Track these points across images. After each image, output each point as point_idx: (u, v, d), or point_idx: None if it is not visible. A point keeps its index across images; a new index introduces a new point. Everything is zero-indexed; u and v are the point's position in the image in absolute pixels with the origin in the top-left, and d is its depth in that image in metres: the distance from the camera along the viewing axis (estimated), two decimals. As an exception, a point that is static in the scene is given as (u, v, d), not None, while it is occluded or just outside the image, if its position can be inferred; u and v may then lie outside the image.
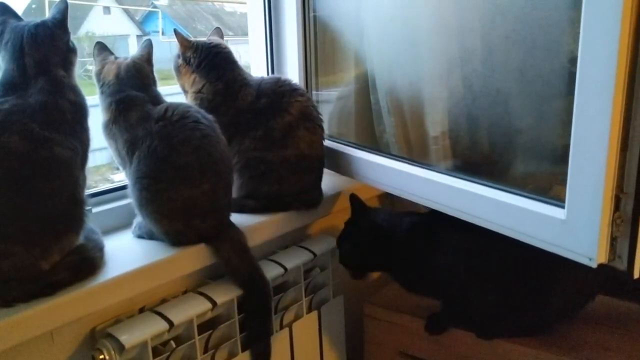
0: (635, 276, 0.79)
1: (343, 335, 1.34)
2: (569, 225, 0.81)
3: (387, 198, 1.59)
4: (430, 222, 1.21)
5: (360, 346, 1.36)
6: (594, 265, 0.79)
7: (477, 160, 1.47)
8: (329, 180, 1.32)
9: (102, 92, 1.06)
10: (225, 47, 1.23)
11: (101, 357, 0.88)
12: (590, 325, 1.18)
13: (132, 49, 1.23)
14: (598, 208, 0.76)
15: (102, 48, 1.11)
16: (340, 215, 1.32)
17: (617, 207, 0.77)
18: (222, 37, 1.27)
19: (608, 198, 0.76)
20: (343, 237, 1.25)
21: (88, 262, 0.91)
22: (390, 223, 1.22)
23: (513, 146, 1.46)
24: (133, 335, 0.91)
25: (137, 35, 1.62)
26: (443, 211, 1.04)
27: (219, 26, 1.29)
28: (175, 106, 1.03)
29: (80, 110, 0.93)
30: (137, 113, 1.02)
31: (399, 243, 1.20)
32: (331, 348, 1.31)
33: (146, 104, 1.03)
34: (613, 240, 0.78)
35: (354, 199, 1.24)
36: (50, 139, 0.85)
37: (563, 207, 0.82)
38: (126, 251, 1.02)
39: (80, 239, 0.91)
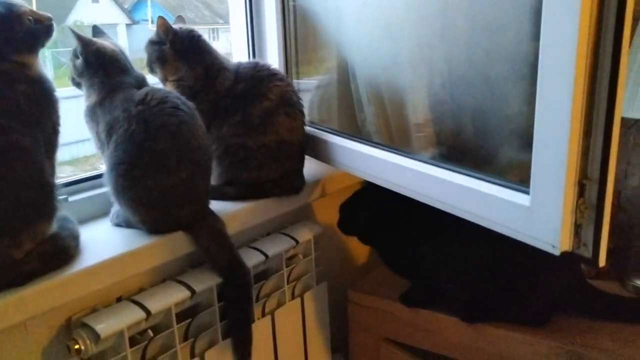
0: (601, 264, 0.79)
1: (327, 323, 1.35)
2: (532, 212, 0.81)
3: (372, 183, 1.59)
4: (414, 202, 1.23)
5: (345, 333, 1.38)
6: (557, 253, 0.79)
7: (461, 147, 1.46)
8: (311, 167, 1.32)
9: (90, 75, 1.06)
10: (200, 33, 1.23)
11: (76, 347, 0.89)
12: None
13: (121, 38, 1.23)
14: (561, 195, 0.76)
15: (98, 32, 1.12)
16: (322, 202, 1.33)
17: (581, 193, 0.77)
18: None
19: (571, 184, 0.75)
20: (346, 205, 1.30)
21: (62, 250, 0.92)
22: (386, 200, 1.25)
23: (497, 133, 1.46)
24: (109, 325, 0.91)
25: (127, 24, 1.62)
26: (410, 196, 1.04)
27: (181, 14, 1.29)
28: (155, 91, 1.04)
29: (39, 100, 0.91)
30: (123, 96, 1.02)
31: (386, 219, 1.24)
32: (315, 335, 1.32)
33: (132, 87, 1.04)
34: (577, 227, 0.78)
35: None
36: (7, 126, 0.85)
37: (528, 193, 0.82)
38: (103, 240, 1.02)
39: (54, 227, 0.91)
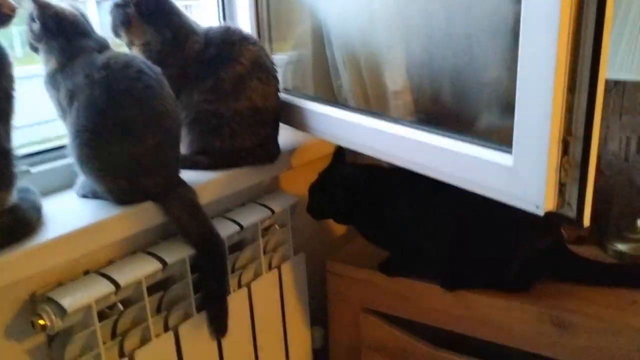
0: (586, 224, 0.76)
1: (305, 294, 1.32)
2: (515, 172, 0.78)
3: (347, 152, 1.55)
4: (388, 174, 1.22)
5: (324, 305, 1.35)
6: (541, 213, 0.77)
7: (440, 114, 1.44)
8: (285, 136, 1.28)
9: (49, 39, 0.99)
10: None
11: (41, 322, 0.85)
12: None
13: (91, 14, 1.16)
14: (545, 153, 0.73)
15: None
16: (298, 172, 1.29)
17: (565, 151, 0.74)
18: None
19: (555, 142, 0.72)
20: (316, 187, 1.23)
21: (23, 222, 0.87)
22: (358, 176, 1.22)
23: (476, 98, 1.43)
24: (76, 299, 0.87)
25: (97, 1, 1.53)
26: (391, 161, 1.00)
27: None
28: (119, 55, 0.99)
29: None
30: (84, 61, 0.97)
31: (361, 195, 1.20)
32: (293, 307, 1.29)
33: (94, 52, 0.99)
34: (562, 186, 0.75)
35: (338, 150, 1.22)
36: None
37: (510, 152, 0.79)
38: (68, 211, 0.97)
39: (14, 198, 0.86)
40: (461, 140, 0.87)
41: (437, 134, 0.91)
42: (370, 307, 1.28)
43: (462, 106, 1.45)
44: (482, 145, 0.84)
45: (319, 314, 1.39)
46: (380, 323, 1.26)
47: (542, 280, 1.13)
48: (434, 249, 1.15)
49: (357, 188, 1.20)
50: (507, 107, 1.42)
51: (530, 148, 0.75)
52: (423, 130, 0.93)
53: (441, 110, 1.44)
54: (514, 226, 1.10)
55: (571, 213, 0.77)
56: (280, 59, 1.36)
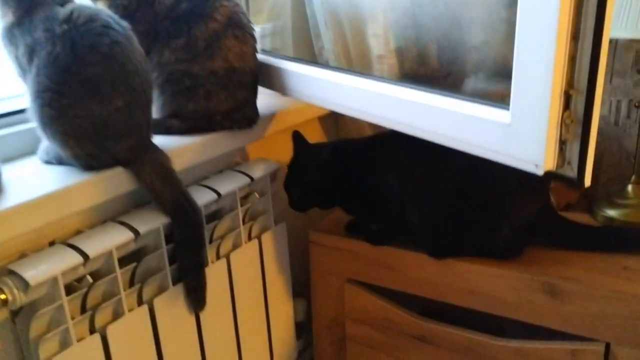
0: (587, 184, 0.72)
1: (287, 266, 1.27)
2: (513, 129, 0.73)
3: (329, 119, 1.50)
4: (362, 144, 1.19)
5: (307, 277, 1.30)
6: (540, 172, 0.72)
7: (427, 77, 1.38)
8: (264, 101, 1.21)
9: None
10: None
11: (2, 297, 0.78)
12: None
13: None
14: (545, 107, 0.68)
15: None
16: (278, 137, 1.23)
17: (566, 105, 0.69)
18: None
19: (557, 95, 0.67)
20: (291, 181, 1.18)
21: (-21, 190, 0.80)
22: (330, 155, 1.17)
23: (465, 61, 1.38)
24: (40, 271, 0.80)
25: None
26: (384, 125, 0.95)
27: None
28: (82, 8, 0.90)
29: None
30: (44, 14, 0.88)
31: (340, 173, 1.15)
32: (275, 279, 1.24)
33: (55, 4, 0.90)
34: (562, 143, 0.71)
35: (297, 135, 1.17)
36: None
37: (507, 109, 0.74)
38: (30, 178, 0.90)
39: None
40: (454, 97, 0.82)
41: (428, 91, 0.85)
42: (354, 278, 1.24)
43: (449, 69, 1.39)
44: (477, 102, 0.79)
45: (301, 286, 1.34)
46: (365, 294, 1.22)
47: (532, 246, 1.10)
48: (420, 217, 1.11)
49: (333, 167, 1.16)
50: (496, 71, 1.38)
51: (530, 102, 0.70)
52: (413, 88, 0.87)
53: (428, 74, 1.39)
54: (502, 192, 1.06)
55: (571, 173, 0.72)
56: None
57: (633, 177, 1.21)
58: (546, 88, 0.67)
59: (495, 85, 1.37)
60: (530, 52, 0.68)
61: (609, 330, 0.98)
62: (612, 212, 1.20)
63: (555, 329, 1.02)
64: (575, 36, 0.66)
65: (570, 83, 0.68)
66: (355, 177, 1.14)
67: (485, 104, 0.77)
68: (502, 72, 1.37)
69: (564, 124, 0.69)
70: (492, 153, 0.76)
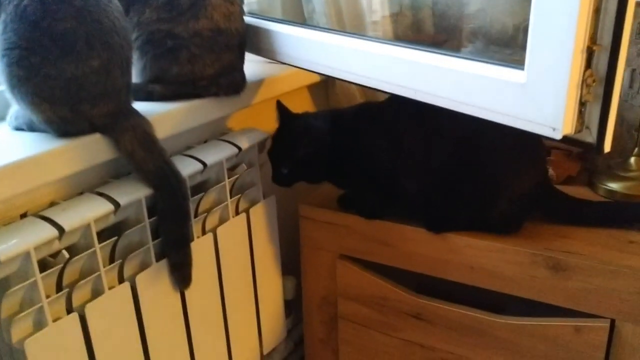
0: (606, 150, 0.67)
1: (277, 241, 1.21)
2: (529, 89, 0.67)
3: (319, 88, 1.43)
4: (352, 114, 1.13)
5: (296, 252, 1.24)
6: (557, 136, 0.67)
7: (422, 43, 1.32)
8: (250, 68, 1.13)
9: None
10: None
11: (-31, 273, 0.71)
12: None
13: None
14: (566, 65, 0.62)
15: None
16: (266, 105, 1.16)
17: (588, 64, 0.64)
18: None
19: (579, 51, 0.62)
20: (278, 153, 1.09)
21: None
22: (321, 124, 1.10)
23: (460, 28, 1.32)
24: (10, 246, 0.73)
25: None
26: (384, 89, 0.88)
27: None
28: None
29: None
30: None
31: (332, 143, 1.08)
32: (263, 254, 1.18)
33: None
34: (582, 105, 0.65)
35: (281, 105, 1.09)
36: None
37: (522, 68, 0.68)
38: (-1, 145, 0.83)
39: None
40: (461, 57, 0.76)
41: (433, 52, 0.79)
42: (347, 254, 1.18)
43: (446, 37, 1.34)
44: (488, 62, 0.73)
45: (290, 263, 1.28)
46: (359, 271, 1.17)
47: (533, 220, 1.05)
48: (415, 189, 1.06)
49: (326, 138, 1.08)
50: (493, 39, 1.32)
51: (548, 60, 0.64)
52: (417, 49, 0.81)
53: (423, 41, 1.33)
54: (499, 163, 1.02)
55: (590, 138, 0.67)
56: None
57: (636, 150, 1.17)
58: (568, 43, 0.61)
59: (492, 54, 1.32)
60: (551, 2, 0.61)
61: (614, 306, 0.94)
62: (613, 185, 1.16)
63: (559, 305, 0.98)
64: (601, -14, 0.60)
65: (593, 38, 0.62)
66: (349, 147, 1.08)
67: (497, 64, 0.71)
68: (499, 41, 1.32)
69: (585, 84, 0.64)
70: (505, 117, 0.70)
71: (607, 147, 0.66)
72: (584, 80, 0.63)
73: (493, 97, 0.71)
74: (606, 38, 0.62)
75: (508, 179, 1.02)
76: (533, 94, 0.66)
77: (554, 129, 0.66)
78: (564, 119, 0.64)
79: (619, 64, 0.62)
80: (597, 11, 0.61)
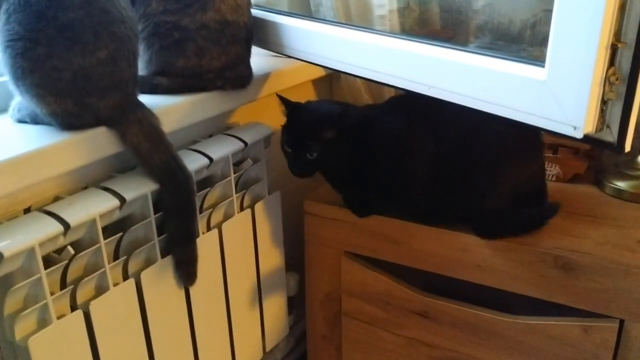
0: (627, 149, 0.66)
1: (281, 237, 1.20)
2: (549, 87, 0.66)
3: (324, 82, 1.41)
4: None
5: (301, 249, 1.23)
6: (579, 135, 0.65)
7: (430, 36, 1.31)
8: (256, 61, 1.11)
9: None
10: None
11: (-28, 269, 0.69)
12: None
13: None
14: (589, 62, 0.61)
15: None
16: (273, 100, 1.14)
17: (611, 61, 0.62)
18: None
19: (603, 48, 0.60)
20: (299, 139, 1.01)
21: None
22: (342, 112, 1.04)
23: (467, 23, 1.31)
24: (15, 241, 0.71)
25: None
26: (395, 84, 0.87)
27: None
28: None
29: None
30: None
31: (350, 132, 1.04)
32: (268, 251, 1.16)
33: None
34: (604, 104, 0.64)
35: (282, 97, 1.04)
36: None
37: (542, 65, 0.66)
38: (2, 138, 0.81)
39: None
40: (480, 53, 0.74)
41: (449, 47, 0.78)
42: (351, 251, 1.17)
43: (453, 32, 1.32)
44: (505, 58, 0.71)
45: (294, 259, 1.27)
46: (363, 267, 1.15)
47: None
48: (422, 189, 1.04)
49: (347, 116, 1.02)
50: (499, 34, 1.31)
51: (570, 57, 0.63)
52: (433, 44, 0.79)
53: (430, 35, 1.32)
54: (493, 162, 1.01)
55: (610, 137, 0.66)
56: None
57: (644, 148, 1.16)
58: (592, 39, 0.60)
59: (500, 48, 1.30)
60: (576, -2, 0.60)
61: (623, 306, 0.93)
62: (621, 184, 1.15)
63: (568, 305, 0.97)
64: (626, -21, 0.59)
65: (617, 35, 0.61)
66: (358, 140, 1.05)
67: (517, 60, 0.70)
68: (507, 37, 1.30)
69: (607, 82, 0.62)
70: (524, 114, 0.69)
71: (628, 146, 0.65)
72: (607, 78, 0.62)
73: (512, 94, 0.69)
74: (630, 35, 0.60)
75: (502, 176, 1.02)
76: (554, 92, 0.65)
77: (575, 128, 0.64)
78: (585, 117, 0.63)
79: (643, 62, 0.61)
80: (622, 7, 0.60)
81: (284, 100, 1.03)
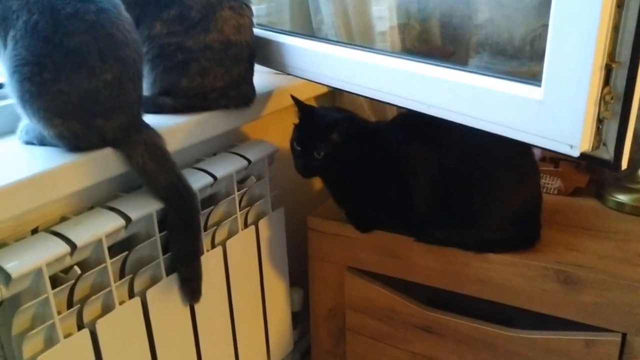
0: (623, 167, 0.67)
1: (285, 253, 1.21)
2: (546, 106, 0.67)
3: (326, 99, 1.43)
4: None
5: (304, 263, 1.24)
6: (575, 153, 0.66)
7: (429, 55, 1.33)
8: (261, 79, 1.13)
9: None
10: None
11: (-19, 290, 0.71)
12: (551, 227, 1.09)
13: None
14: (584, 81, 0.62)
15: None
16: (276, 117, 1.16)
17: (606, 80, 0.63)
18: None
19: (597, 68, 0.62)
20: (309, 137, 1.04)
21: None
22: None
23: (468, 39, 1.32)
24: (23, 262, 0.73)
25: None
26: (396, 103, 0.88)
27: None
28: None
29: None
30: None
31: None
32: (272, 267, 1.17)
33: None
34: (599, 122, 0.65)
35: (296, 98, 1.08)
36: None
37: (539, 85, 0.68)
38: (9, 160, 0.82)
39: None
40: (477, 73, 0.75)
41: (447, 67, 0.79)
42: (355, 266, 1.18)
43: (453, 48, 1.34)
44: (504, 78, 0.73)
45: (298, 274, 1.28)
46: (367, 282, 1.16)
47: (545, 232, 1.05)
48: (424, 205, 1.05)
49: (357, 123, 1.08)
50: (499, 50, 1.32)
51: (566, 77, 0.64)
52: (431, 64, 0.81)
53: (430, 52, 1.33)
54: (493, 179, 1.03)
55: (607, 155, 0.67)
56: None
57: (644, 161, 1.17)
58: (586, 60, 0.61)
59: (499, 65, 1.32)
60: (570, 20, 0.61)
61: (626, 320, 0.94)
62: (622, 197, 1.16)
63: (570, 319, 0.98)
64: (620, 4, 0.60)
65: (611, 55, 0.62)
66: (362, 151, 1.07)
67: (514, 80, 0.71)
68: (507, 52, 1.32)
69: (603, 101, 0.63)
70: (521, 133, 0.70)
71: (624, 163, 0.66)
72: (602, 97, 0.63)
73: (509, 113, 0.71)
74: (625, 55, 0.61)
75: (498, 198, 1.03)
76: (550, 111, 0.66)
77: (571, 146, 0.65)
78: (581, 136, 0.64)
79: (638, 81, 0.62)
80: (615, 28, 0.61)
81: (298, 103, 1.05)
